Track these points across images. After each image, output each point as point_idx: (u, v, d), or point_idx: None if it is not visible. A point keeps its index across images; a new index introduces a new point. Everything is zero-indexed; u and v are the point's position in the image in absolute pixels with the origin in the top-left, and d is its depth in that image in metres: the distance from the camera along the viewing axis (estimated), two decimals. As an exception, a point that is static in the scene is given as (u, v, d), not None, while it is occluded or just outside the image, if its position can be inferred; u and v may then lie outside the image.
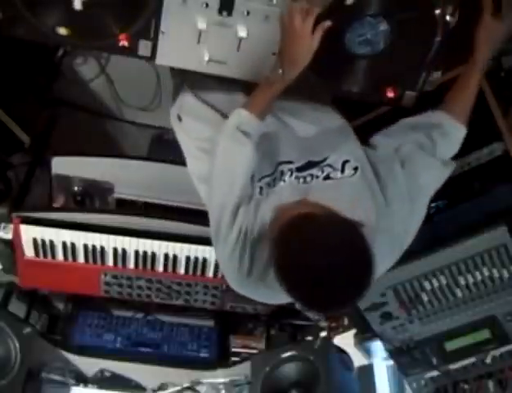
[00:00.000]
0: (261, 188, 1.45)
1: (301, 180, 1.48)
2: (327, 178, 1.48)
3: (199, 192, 1.67)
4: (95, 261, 2.18)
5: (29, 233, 2.12)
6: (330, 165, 1.50)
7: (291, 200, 1.41)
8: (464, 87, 1.60)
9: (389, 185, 1.49)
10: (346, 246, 1.20)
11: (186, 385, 2.31)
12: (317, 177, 1.48)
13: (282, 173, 1.49)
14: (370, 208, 1.44)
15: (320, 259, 1.18)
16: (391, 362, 2.22)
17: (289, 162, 1.50)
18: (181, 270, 2.21)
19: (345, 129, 1.66)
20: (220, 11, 1.47)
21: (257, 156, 1.42)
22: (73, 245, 2.14)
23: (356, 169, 1.50)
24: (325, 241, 1.20)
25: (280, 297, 1.34)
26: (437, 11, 1.48)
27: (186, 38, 1.52)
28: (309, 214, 1.28)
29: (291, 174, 1.49)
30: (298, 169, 1.50)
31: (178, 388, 2.31)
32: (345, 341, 2.25)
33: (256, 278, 1.41)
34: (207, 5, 1.46)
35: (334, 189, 1.46)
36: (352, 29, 1.48)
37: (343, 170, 1.50)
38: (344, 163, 1.51)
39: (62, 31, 1.48)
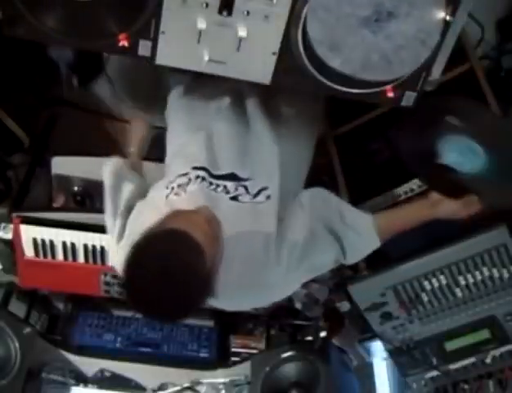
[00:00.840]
0: (172, 188, 1.52)
1: (212, 187, 1.50)
2: (234, 198, 1.49)
3: None
4: (95, 261, 2.18)
5: (29, 233, 2.12)
6: (245, 187, 1.51)
7: (196, 204, 1.43)
8: (409, 215, 1.64)
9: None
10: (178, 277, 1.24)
11: (186, 385, 2.31)
12: (228, 192, 1.50)
13: (190, 180, 1.52)
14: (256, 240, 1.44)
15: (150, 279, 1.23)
16: (391, 362, 2.21)
17: (203, 169, 1.53)
18: (181, 270, 2.20)
19: (299, 159, 1.70)
20: (220, 11, 1.47)
21: None
22: (73, 245, 2.14)
23: (268, 197, 1.51)
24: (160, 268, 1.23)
25: None
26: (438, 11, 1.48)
27: (186, 38, 1.52)
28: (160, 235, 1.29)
29: (202, 181, 1.51)
30: (214, 176, 1.52)
31: (178, 388, 2.31)
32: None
33: None
34: (207, 5, 1.46)
35: (233, 212, 1.46)
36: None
37: (255, 196, 1.51)
38: (262, 189, 1.52)
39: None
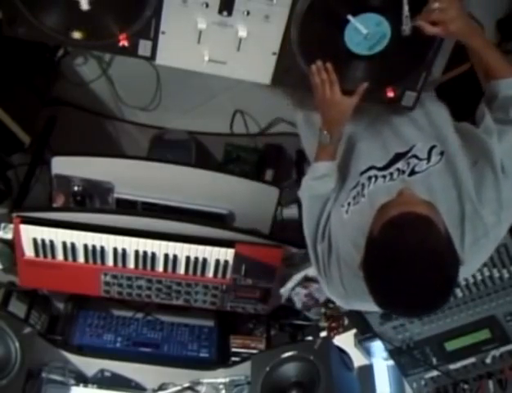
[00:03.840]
0: (348, 204, 1.52)
1: (387, 178, 1.49)
2: (412, 173, 1.46)
3: None
4: (95, 261, 2.18)
5: (29, 233, 2.12)
6: (415, 156, 1.49)
7: (383, 200, 1.37)
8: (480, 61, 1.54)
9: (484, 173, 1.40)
10: (435, 265, 1.20)
11: (186, 385, 2.31)
12: (403, 172, 1.47)
13: (363, 185, 1.51)
14: (453, 198, 1.40)
15: (408, 272, 1.19)
16: (391, 362, 2.21)
17: (370, 168, 1.53)
18: (181, 270, 2.21)
19: (435, 108, 1.64)
20: (220, 11, 1.47)
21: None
22: (73, 245, 2.14)
23: (442, 153, 1.47)
24: (416, 257, 1.20)
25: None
26: (438, 11, 1.48)
27: (186, 38, 1.52)
28: (415, 219, 1.24)
29: (375, 180, 1.50)
30: (382, 169, 1.51)
31: (178, 388, 2.31)
32: (345, 340, 2.25)
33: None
34: (207, 5, 1.46)
35: (421, 184, 1.43)
36: (352, 28, 1.49)
37: (429, 159, 1.47)
38: (431, 149, 1.48)
39: (76, 35, 1.50)
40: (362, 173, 1.55)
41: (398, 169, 1.49)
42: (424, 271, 1.19)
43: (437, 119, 1.58)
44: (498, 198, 1.38)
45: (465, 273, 1.51)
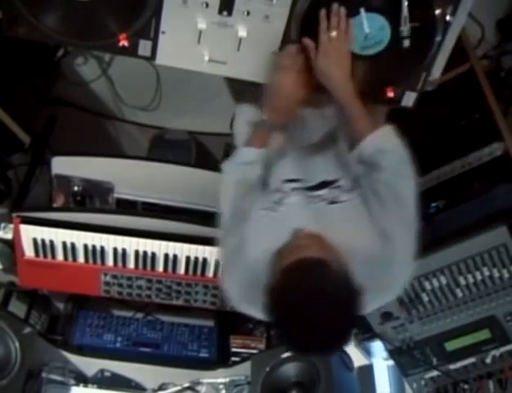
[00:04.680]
0: (268, 209, 1.47)
1: (309, 200, 1.47)
2: (333, 202, 1.46)
3: None
4: (95, 261, 2.18)
5: (29, 233, 2.12)
6: (339, 187, 1.48)
7: (297, 221, 1.39)
8: (350, 120, 1.47)
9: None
10: (332, 306, 1.20)
11: (186, 385, 2.31)
12: (325, 199, 1.47)
13: (285, 193, 1.48)
14: (369, 233, 1.39)
15: (306, 318, 1.20)
16: (391, 362, 2.21)
17: (298, 180, 1.50)
18: (181, 270, 2.21)
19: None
20: (220, 11, 1.47)
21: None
22: (73, 245, 2.14)
23: (360, 186, 1.46)
24: (312, 302, 1.20)
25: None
26: (437, 11, 1.48)
27: (186, 38, 1.52)
28: (307, 265, 1.25)
29: (298, 194, 1.48)
30: (307, 189, 1.49)
31: (178, 388, 2.31)
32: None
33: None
34: (207, 5, 1.46)
35: (338, 214, 1.43)
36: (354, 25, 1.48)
37: (351, 190, 1.47)
38: (353, 180, 1.48)
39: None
40: (289, 181, 1.51)
41: (320, 196, 1.48)
42: (320, 313, 1.19)
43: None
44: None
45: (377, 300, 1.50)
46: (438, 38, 1.53)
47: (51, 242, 2.13)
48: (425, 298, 1.96)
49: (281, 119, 1.48)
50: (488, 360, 2.02)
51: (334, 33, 1.43)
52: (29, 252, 2.16)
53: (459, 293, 1.94)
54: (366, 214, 1.41)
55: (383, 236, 1.37)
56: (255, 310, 1.41)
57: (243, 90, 1.76)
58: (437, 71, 1.64)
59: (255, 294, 1.35)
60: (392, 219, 1.37)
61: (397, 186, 1.39)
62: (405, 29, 1.46)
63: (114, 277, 2.23)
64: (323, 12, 1.43)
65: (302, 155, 1.59)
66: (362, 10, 1.45)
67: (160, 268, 2.20)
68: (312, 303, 1.19)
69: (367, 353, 2.27)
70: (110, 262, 2.19)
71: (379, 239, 1.37)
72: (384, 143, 1.41)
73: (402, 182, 1.40)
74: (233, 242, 1.47)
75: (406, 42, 1.49)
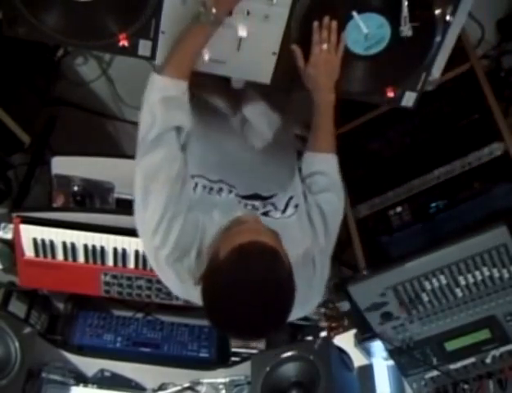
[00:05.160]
0: (196, 184, 1.42)
1: (242, 204, 1.46)
2: (265, 214, 1.46)
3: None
4: (95, 261, 2.18)
5: (29, 233, 2.12)
6: (273, 204, 1.49)
7: (238, 212, 1.39)
8: (318, 127, 1.57)
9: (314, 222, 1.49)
10: (275, 295, 1.21)
11: (186, 385, 2.31)
12: (257, 209, 1.47)
13: (221, 189, 1.46)
14: (296, 252, 1.40)
15: (250, 299, 1.19)
16: (391, 362, 2.21)
17: (232, 186, 1.48)
18: (181, 270, 2.20)
19: (294, 162, 1.65)
20: (220, 11, 1.47)
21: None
22: (73, 245, 2.14)
23: (296, 206, 1.49)
24: (258, 286, 1.20)
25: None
26: (437, 11, 1.48)
27: (186, 38, 1.52)
28: (252, 247, 1.24)
29: (230, 193, 1.46)
30: (242, 197, 1.48)
31: (178, 388, 2.31)
32: (345, 340, 2.25)
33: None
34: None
35: (271, 225, 1.41)
36: (353, 27, 1.49)
37: (284, 210, 1.48)
38: (289, 200, 1.49)
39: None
40: (224, 182, 1.47)
41: (254, 206, 1.48)
42: (264, 299, 1.20)
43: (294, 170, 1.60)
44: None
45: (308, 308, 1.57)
46: (438, 38, 1.53)
47: (51, 242, 2.13)
48: (425, 298, 1.96)
49: (228, 8, 1.43)
50: (488, 360, 2.02)
51: (324, 46, 1.48)
52: (29, 252, 2.16)
53: (459, 293, 1.94)
54: (298, 236, 1.44)
55: (308, 257, 1.44)
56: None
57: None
58: (437, 71, 1.64)
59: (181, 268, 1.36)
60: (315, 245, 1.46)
61: (327, 212, 1.50)
62: (405, 28, 1.46)
63: (114, 277, 2.23)
64: (316, 24, 1.48)
65: (240, 162, 1.59)
66: (354, 13, 1.46)
67: (160, 268, 2.20)
68: (261, 285, 1.19)
69: (367, 353, 2.27)
70: (110, 262, 2.19)
71: (303, 259, 1.43)
72: (332, 170, 1.55)
73: (333, 212, 1.51)
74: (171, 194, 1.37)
75: (409, 32, 1.48)
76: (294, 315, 1.35)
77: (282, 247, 1.29)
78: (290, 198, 1.50)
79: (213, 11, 1.38)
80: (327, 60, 1.50)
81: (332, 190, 1.54)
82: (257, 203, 1.48)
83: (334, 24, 1.47)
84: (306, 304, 1.48)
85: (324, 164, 1.56)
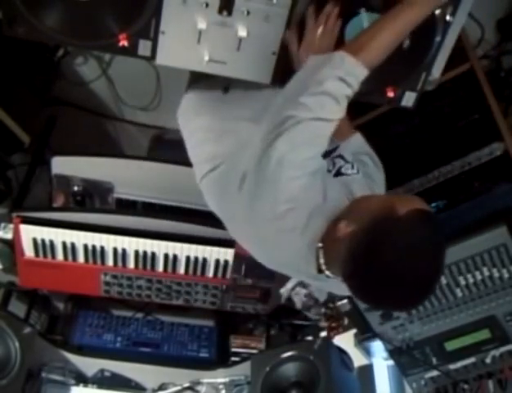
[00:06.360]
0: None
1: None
2: (338, 174, 1.40)
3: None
4: (95, 261, 2.18)
5: (29, 233, 2.12)
6: (340, 156, 1.43)
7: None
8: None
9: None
10: (436, 253, 1.17)
11: (186, 385, 2.31)
12: (329, 171, 1.39)
13: (335, 163, 1.42)
14: None
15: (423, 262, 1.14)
16: (391, 362, 2.21)
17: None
18: (181, 270, 2.21)
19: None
20: (220, 11, 1.47)
21: None
22: (73, 245, 2.14)
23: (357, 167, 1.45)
24: (432, 249, 1.16)
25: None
26: (437, 11, 1.48)
27: (186, 38, 1.52)
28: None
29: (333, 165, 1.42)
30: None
31: (178, 388, 2.31)
32: (345, 340, 2.25)
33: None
34: (207, 5, 1.46)
35: (345, 187, 1.37)
36: (353, 25, 1.48)
37: (353, 164, 1.43)
38: (354, 155, 1.46)
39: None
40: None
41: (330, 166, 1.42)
42: (441, 261, 1.17)
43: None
44: None
45: None
46: (438, 38, 1.53)
47: (51, 242, 2.13)
48: (425, 298, 1.96)
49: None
50: (488, 360, 2.02)
51: (319, 30, 1.44)
52: (29, 252, 2.16)
53: (459, 293, 1.94)
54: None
55: None
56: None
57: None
58: (437, 71, 1.64)
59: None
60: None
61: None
62: None
63: (114, 277, 2.23)
64: (311, 10, 1.44)
65: None
66: (363, 10, 1.45)
67: (160, 268, 2.20)
68: (442, 247, 1.16)
69: (367, 353, 2.27)
70: (110, 262, 2.19)
71: None
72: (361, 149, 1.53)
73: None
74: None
75: (405, 43, 1.49)
76: None
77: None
78: (356, 153, 1.47)
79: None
80: (319, 47, 1.44)
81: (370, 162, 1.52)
82: (327, 161, 1.39)
83: (336, 10, 1.43)
84: None
85: (350, 148, 1.50)
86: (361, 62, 1.29)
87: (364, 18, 1.46)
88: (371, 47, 1.32)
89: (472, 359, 2.03)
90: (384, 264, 1.14)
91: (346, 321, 2.28)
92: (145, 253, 2.15)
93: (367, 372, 2.34)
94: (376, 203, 1.23)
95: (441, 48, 1.56)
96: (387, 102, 1.66)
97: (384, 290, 1.17)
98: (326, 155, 1.38)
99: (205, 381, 2.30)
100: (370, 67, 1.31)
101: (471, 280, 1.90)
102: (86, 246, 2.14)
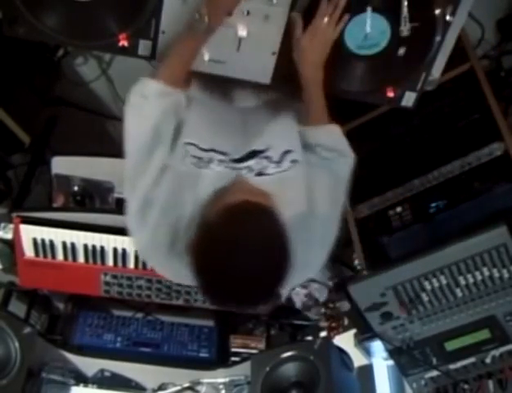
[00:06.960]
0: (186, 153, 1.39)
1: (234, 172, 1.40)
2: (260, 174, 1.41)
3: None
4: (95, 261, 2.18)
5: (29, 233, 2.12)
6: (268, 157, 1.43)
7: (212, 188, 1.34)
8: (308, 101, 1.52)
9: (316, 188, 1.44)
10: (271, 247, 1.19)
11: (186, 385, 2.31)
12: (252, 170, 1.41)
13: (211, 160, 1.40)
14: (295, 209, 1.37)
15: (241, 261, 1.16)
16: (391, 362, 2.21)
17: (224, 153, 1.42)
18: (181, 270, 2.20)
19: (292, 120, 1.57)
20: (220, 11, 1.47)
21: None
22: (73, 245, 2.14)
23: (294, 162, 1.43)
24: (251, 244, 1.17)
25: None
26: (437, 11, 1.48)
27: (186, 37, 1.52)
28: (249, 207, 1.21)
29: (220, 163, 1.40)
30: (236, 160, 1.42)
31: (178, 388, 2.31)
32: (345, 340, 2.25)
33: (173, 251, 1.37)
34: (207, 5, 1.46)
35: (266, 187, 1.37)
36: (356, 22, 1.48)
37: (279, 162, 1.43)
38: (285, 153, 1.44)
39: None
40: (216, 151, 1.42)
41: (249, 167, 1.42)
42: (261, 258, 1.17)
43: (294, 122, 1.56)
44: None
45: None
46: (438, 38, 1.53)
47: (51, 242, 2.13)
48: (425, 298, 1.96)
49: (221, 19, 1.43)
50: (488, 360, 2.02)
51: (325, 19, 1.45)
52: (29, 252, 2.16)
53: (459, 293, 1.94)
54: (293, 196, 1.39)
55: (304, 222, 1.38)
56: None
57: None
58: (437, 71, 1.65)
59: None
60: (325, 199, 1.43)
61: (331, 180, 1.47)
62: (405, 29, 1.46)
63: (114, 277, 2.23)
64: None
65: (233, 123, 1.54)
66: (369, 8, 1.45)
67: (160, 268, 2.20)
68: (258, 243, 1.17)
69: (367, 353, 2.27)
70: (110, 262, 2.19)
71: (299, 222, 1.36)
72: (338, 142, 1.52)
73: (338, 179, 1.50)
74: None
75: (401, 50, 1.49)
76: (295, 280, 1.34)
77: (275, 207, 1.25)
78: (287, 151, 1.44)
79: (206, 20, 1.38)
80: (324, 34, 1.45)
81: (336, 159, 1.51)
82: (252, 162, 1.42)
83: (343, 1, 1.44)
84: (305, 268, 1.42)
85: (324, 137, 1.51)
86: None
87: (369, 17, 1.46)
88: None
89: (472, 359, 2.03)
90: (201, 271, 1.21)
91: (346, 321, 2.29)
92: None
93: (367, 372, 2.34)
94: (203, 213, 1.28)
95: (441, 48, 1.56)
96: (387, 102, 1.66)
97: (213, 283, 1.22)
98: (254, 155, 1.43)
99: (205, 381, 2.30)
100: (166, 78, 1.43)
101: (471, 280, 1.90)
102: (86, 246, 2.14)
